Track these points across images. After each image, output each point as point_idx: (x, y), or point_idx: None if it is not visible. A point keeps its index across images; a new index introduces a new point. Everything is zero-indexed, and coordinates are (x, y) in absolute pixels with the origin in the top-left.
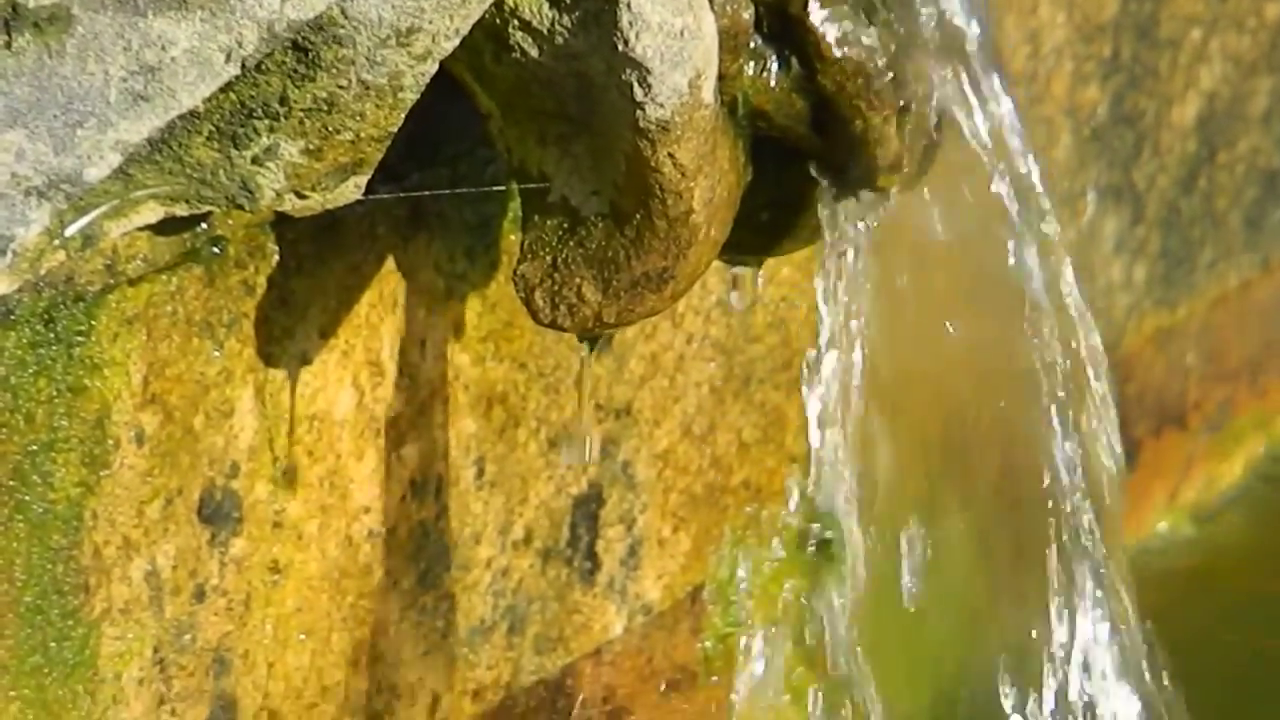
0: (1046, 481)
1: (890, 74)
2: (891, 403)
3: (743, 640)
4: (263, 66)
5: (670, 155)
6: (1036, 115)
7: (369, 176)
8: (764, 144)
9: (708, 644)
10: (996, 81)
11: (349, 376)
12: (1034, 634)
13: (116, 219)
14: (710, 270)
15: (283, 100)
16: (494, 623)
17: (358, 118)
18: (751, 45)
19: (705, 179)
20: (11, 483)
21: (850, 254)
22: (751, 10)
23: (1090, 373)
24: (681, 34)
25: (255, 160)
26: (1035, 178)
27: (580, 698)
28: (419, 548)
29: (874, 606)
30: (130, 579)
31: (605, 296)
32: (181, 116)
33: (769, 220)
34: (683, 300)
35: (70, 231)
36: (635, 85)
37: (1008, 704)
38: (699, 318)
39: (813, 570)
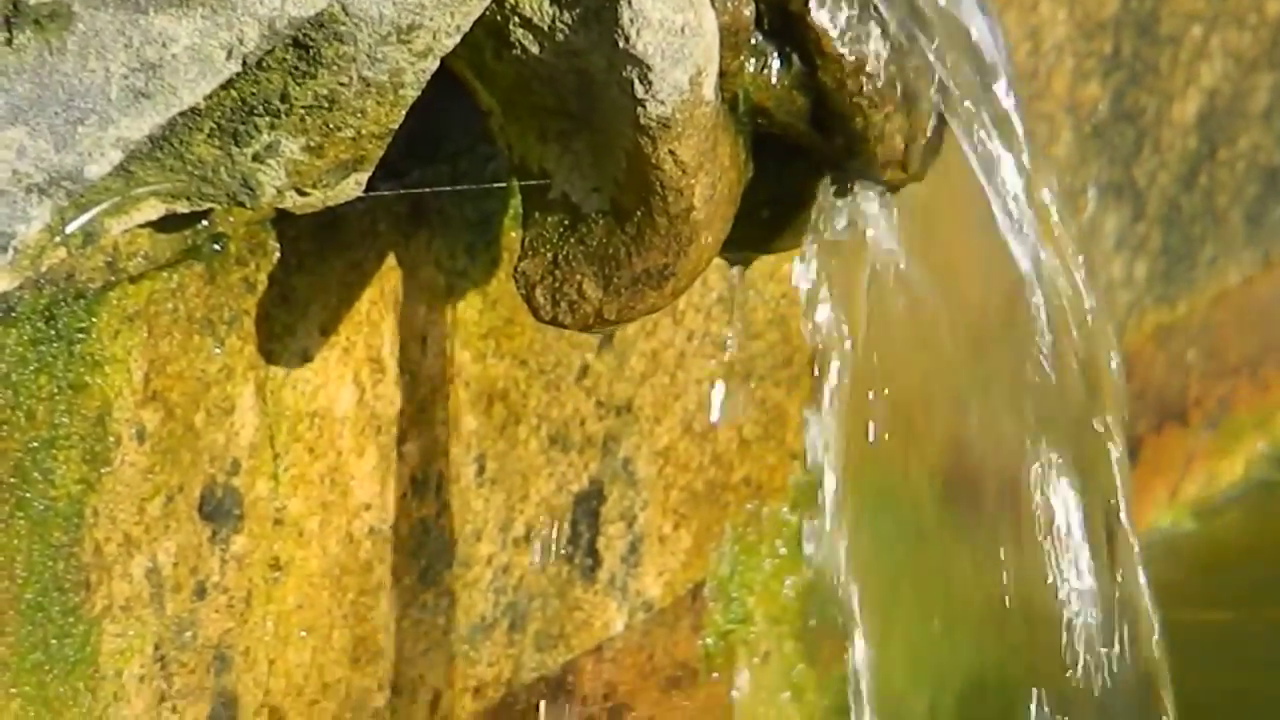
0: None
1: (891, 71)
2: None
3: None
4: (264, 63)
5: (671, 152)
6: (1037, 112)
7: (370, 173)
8: (765, 141)
9: (709, 641)
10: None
11: (350, 373)
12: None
13: (117, 216)
14: (711, 267)
15: (284, 97)
16: (495, 620)
17: (359, 115)
18: (752, 42)
19: (706, 176)
20: (12, 480)
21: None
22: (752, 7)
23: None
24: (682, 31)
25: (256, 157)
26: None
27: (581, 695)
28: (420, 545)
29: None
30: (131, 576)
31: (606, 293)
32: (182, 113)
33: (770, 217)
34: (683, 297)
35: (71, 228)
36: (636, 82)
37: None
38: (699, 314)
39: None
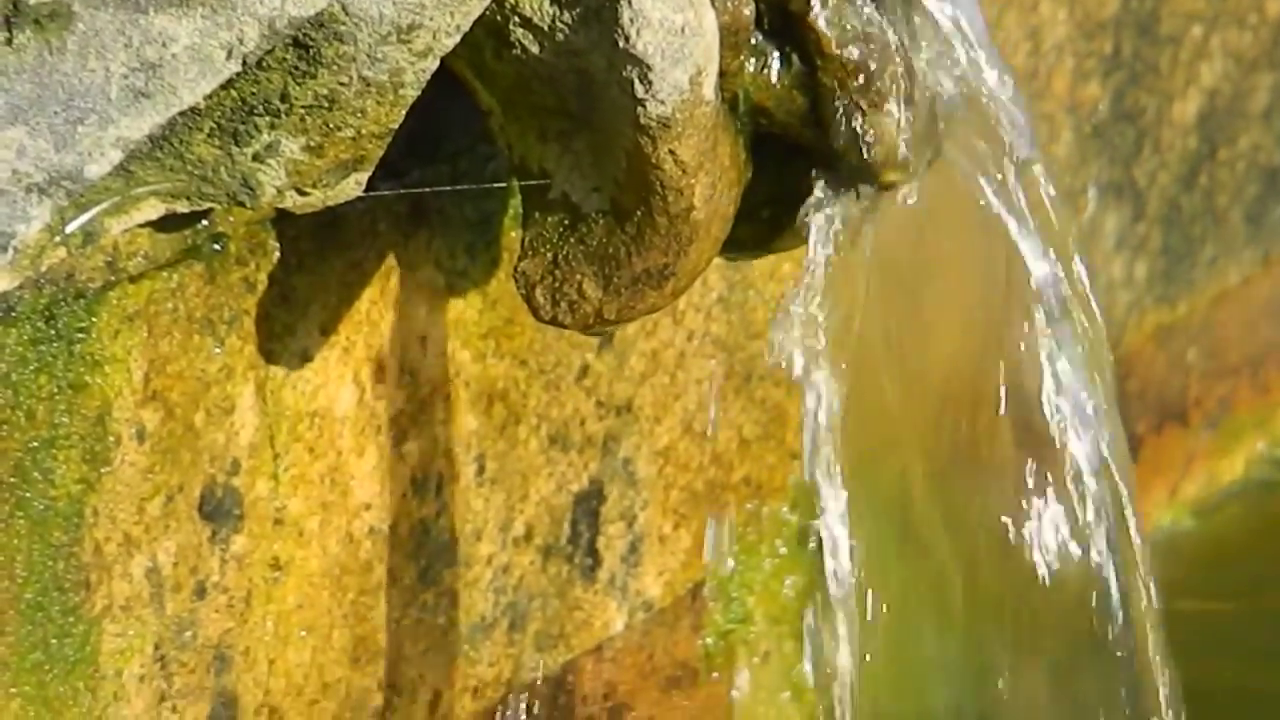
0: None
1: (891, 71)
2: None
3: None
4: (264, 63)
5: (671, 152)
6: (1037, 112)
7: (370, 173)
8: (765, 140)
9: (709, 641)
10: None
11: (350, 373)
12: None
13: (117, 216)
14: (711, 267)
15: (284, 97)
16: (495, 620)
17: (359, 114)
18: (752, 42)
19: (706, 176)
20: (12, 479)
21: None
22: (752, 7)
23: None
24: (682, 30)
25: (256, 157)
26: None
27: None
28: (420, 545)
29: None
30: (131, 576)
31: (606, 293)
32: (182, 113)
33: (770, 217)
34: (683, 297)
35: (71, 228)
36: (636, 82)
37: None
38: (699, 314)
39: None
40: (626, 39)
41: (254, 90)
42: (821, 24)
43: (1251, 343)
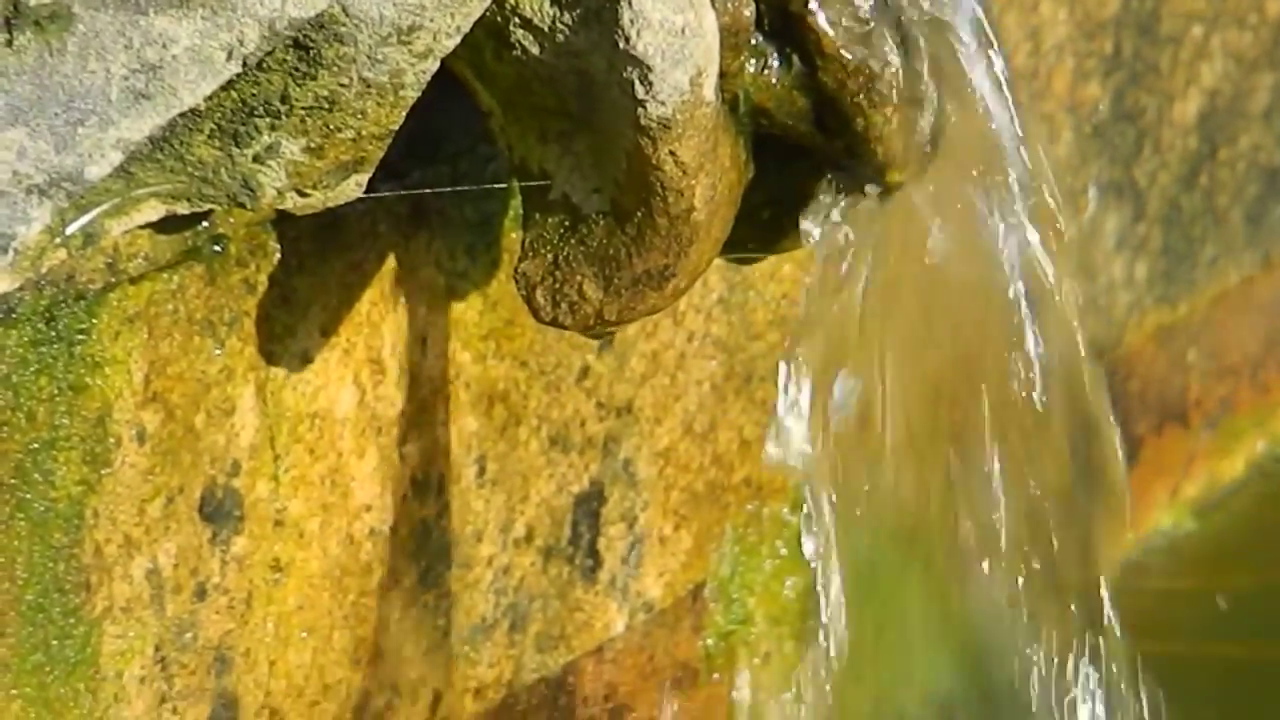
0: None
1: (891, 71)
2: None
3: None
4: (264, 64)
5: (672, 153)
6: (1038, 112)
7: (370, 174)
8: (765, 141)
9: (709, 642)
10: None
11: (350, 375)
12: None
13: (118, 217)
14: (711, 268)
15: (284, 98)
16: (495, 621)
17: (359, 116)
18: (753, 42)
19: (707, 176)
20: (13, 481)
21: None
22: (752, 7)
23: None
24: (683, 31)
25: (257, 158)
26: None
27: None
28: (420, 546)
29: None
30: (131, 577)
31: (606, 294)
32: (183, 114)
33: (770, 218)
34: (683, 298)
35: (71, 229)
36: (636, 83)
37: None
38: (700, 315)
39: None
40: (627, 40)
41: (254, 91)
42: (822, 24)
43: (1252, 343)
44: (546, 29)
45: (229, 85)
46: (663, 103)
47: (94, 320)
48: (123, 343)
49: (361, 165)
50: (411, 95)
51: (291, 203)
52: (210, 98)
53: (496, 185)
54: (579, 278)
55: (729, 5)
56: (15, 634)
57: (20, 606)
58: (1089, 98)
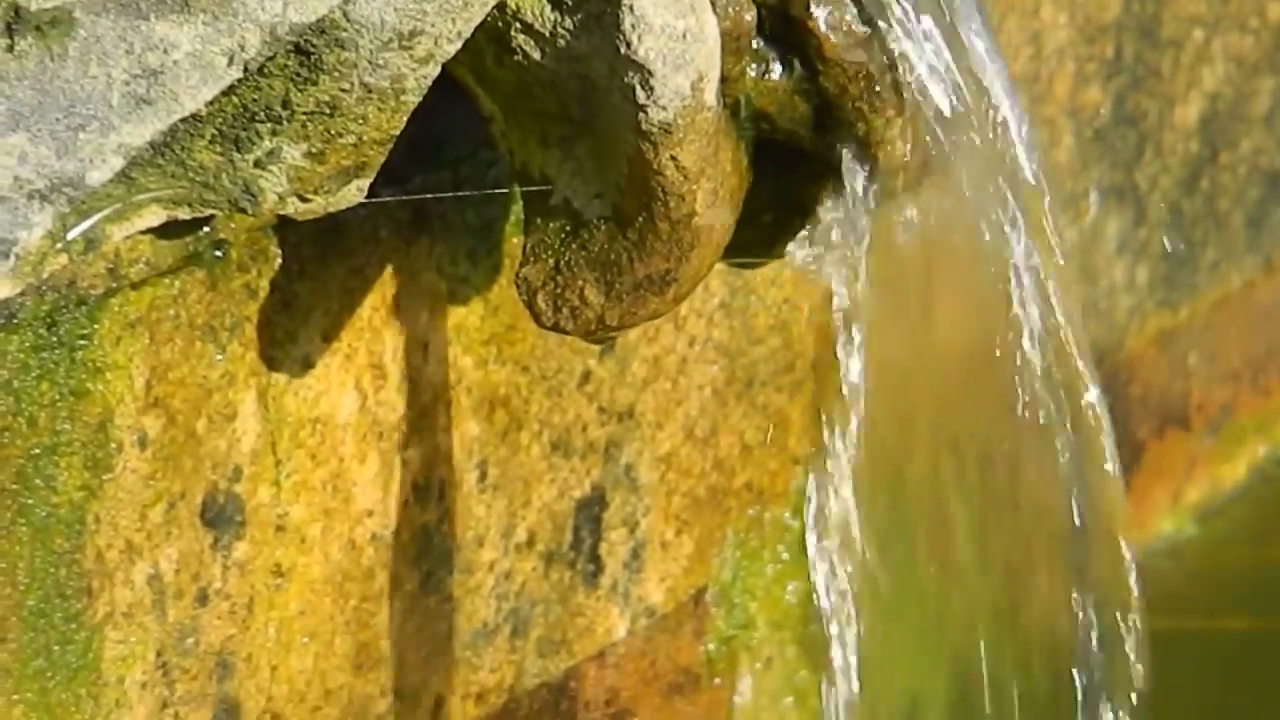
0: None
1: (892, 76)
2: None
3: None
4: (265, 70)
5: (673, 158)
6: (1039, 116)
7: (371, 179)
8: (766, 146)
9: (711, 646)
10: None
11: (351, 380)
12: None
13: (119, 222)
14: (713, 273)
15: (285, 103)
16: (497, 626)
17: (360, 121)
18: (754, 47)
19: (708, 181)
20: (14, 486)
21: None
22: (754, 12)
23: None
24: (684, 36)
25: (258, 163)
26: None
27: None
28: (422, 551)
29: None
30: (133, 583)
31: (608, 299)
32: (184, 120)
33: (771, 222)
34: (685, 303)
35: (72, 235)
36: (638, 88)
37: None
38: (701, 320)
39: None
40: (628, 45)
41: (255, 97)
42: (823, 28)
43: (1253, 347)
44: (548, 34)
45: (230, 90)
46: (664, 108)
47: (95, 325)
48: (124, 348)
49: (363, 170)
50: (413, 100)
51: (293, 208)
52: (211, 103)
53: (498, 190)
54: (580, 283)
55: (730, 10)
56: (17, 639)
57: (22, 612)
58: (1090, 102)
